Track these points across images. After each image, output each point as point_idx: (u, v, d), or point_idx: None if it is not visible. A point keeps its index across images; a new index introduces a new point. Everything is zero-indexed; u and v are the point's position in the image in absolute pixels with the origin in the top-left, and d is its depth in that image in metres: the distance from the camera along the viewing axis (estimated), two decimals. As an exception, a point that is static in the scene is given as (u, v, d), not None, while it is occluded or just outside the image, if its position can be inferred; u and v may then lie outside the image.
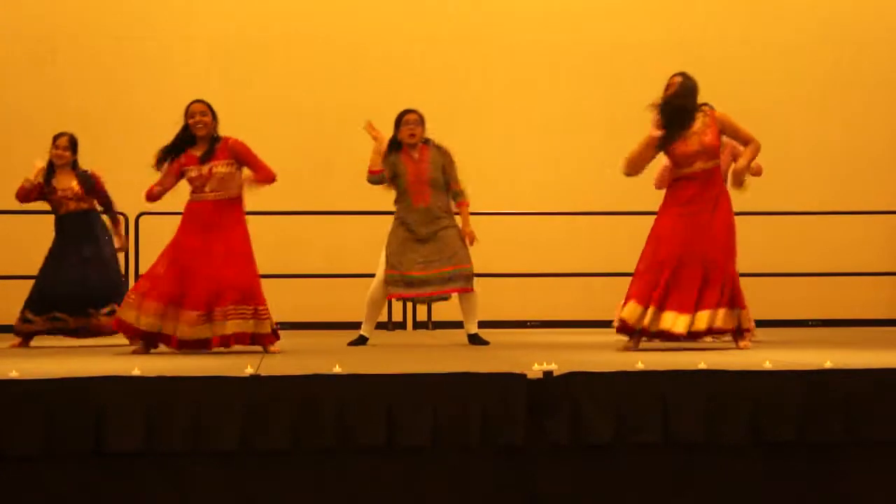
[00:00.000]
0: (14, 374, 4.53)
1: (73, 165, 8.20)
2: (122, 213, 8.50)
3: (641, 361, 5.08)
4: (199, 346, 6.63)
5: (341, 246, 11.42)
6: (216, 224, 6.75)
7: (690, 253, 6.73)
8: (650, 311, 6.69)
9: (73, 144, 8.19)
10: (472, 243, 7.73)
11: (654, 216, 6.98)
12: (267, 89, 11.43)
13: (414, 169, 7.66)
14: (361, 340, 7.71)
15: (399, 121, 7.76)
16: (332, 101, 11.64)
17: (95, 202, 8.25)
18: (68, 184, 8.15)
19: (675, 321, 6.67)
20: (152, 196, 6.94)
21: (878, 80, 12.19)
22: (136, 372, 4.56)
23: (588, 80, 12.01)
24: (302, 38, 11.81)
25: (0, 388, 4.34)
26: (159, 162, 6.84)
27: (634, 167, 6.97)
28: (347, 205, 11.16)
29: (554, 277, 11.46)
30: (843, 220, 11.85)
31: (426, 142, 7.75)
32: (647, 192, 11.29)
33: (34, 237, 11.27)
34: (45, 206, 10.98)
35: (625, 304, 6.82)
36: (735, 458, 4.61)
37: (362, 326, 7.76)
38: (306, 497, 4.47)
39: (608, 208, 11.50)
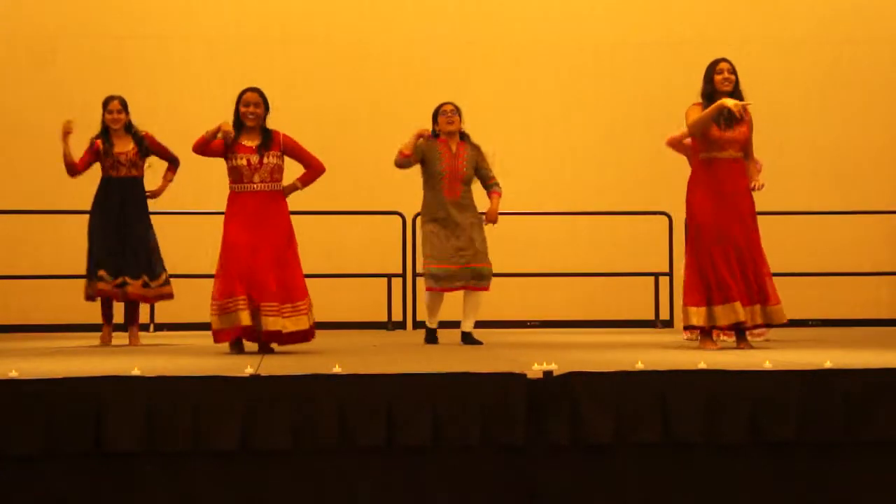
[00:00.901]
0: (14, 374, 4.53)
1: (128, 127, 8.13)
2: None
3: (641, 361, 5.08)
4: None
5: (341, 246, 11.43)
6: (263, 215, 6.69)
7: (739, 242, 6.85)
8: (751, 307, 6.83)
9: (125, 105, 8.14)
10: (490, 222, 7.89)
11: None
12: (267, 89, 11.38)
13: (451, 162, 7.84)
14: (432, 336, 7.93)
15: (437, 112, 7.95)
16: (332, 101, 11.64)
17: (143, 169, 8.16)
18: (125, 147, 8.08)
19: (753, 314, 6.84)
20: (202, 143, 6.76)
21: (878, 79, 12.19)
22: (136, 372, 4.56)
23: (588, 79, 12.01)
24: (302, 38, 11.82)
25: (0, 388, 4.35)
26: (227, 147, 6.73)
27: (699, 129, 6.92)
28: (347, 205, 11.18)
29: (554, 277, 11.46)
30: (843, 220, 11.85)
31: (462, 137, 7.93)
32: (646, 192, 11.35)
33: (34, 237, 11.32)
34: (44, 205, 11.05)
35: (718, 305, 6.83)
36: (735, 458, 4.61)
37: (427, 321, 8.00)
38: (306, 497, 4.47)
39: (608, 208, 11.51)
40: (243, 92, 6.83)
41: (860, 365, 5.00)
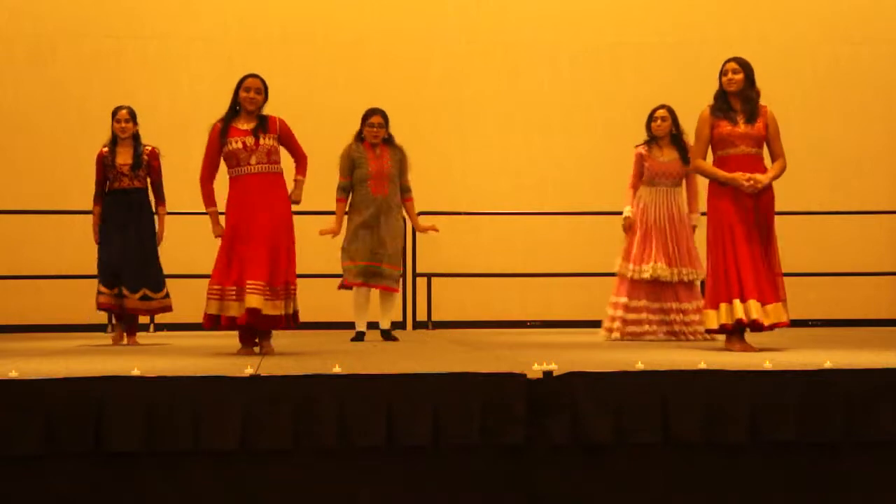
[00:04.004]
0: (14, 374, 4.53)
1: (136, 137, 8.16)
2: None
3: (641, 361, 5.08)
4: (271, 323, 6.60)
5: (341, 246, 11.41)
6: (263, 197, 6.60)
7: (753, 239, 6.78)
8: (748, 304, 6.71)
9: (133, 116, 8.17)
10: (435, 231, 8.57)
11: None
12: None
13: (376, 163, 8.22)
14: (360, 336, 8.25)
15: (365, 120, 8.29)
16: (332, 101, 11.64)
17: (148, 181, 8.21)
18: (128, 159, 8.12)
19: (760, 311, 6.70)
20: (210, 195, 6.78)
21: (878, 79, 12.19)
22: (135, 372, 4.56)
23: (588, 79, 12.01)
24: (302, 38, 11.82)
25: (0, 388, 4.35)
26: (222, 135, 6.67)
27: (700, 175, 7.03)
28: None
29: (554, 277, 11.46)
30: (843, 220, 11.85)
31: (386, 139, 8.29)
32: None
33: (34, 237, 11.32)
34: (43, 205, 11.06)
35: (725, 304, 6.77)
36: (735, 458, 4.61)
37: (356, 324, 8.34)
38: (306, 497, 4.47)
39: (608, 208, 11.50)
40: (245, 77, 6.78)
41: (860, 365, 5.00)
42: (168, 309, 8.29)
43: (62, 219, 11.03)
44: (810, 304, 11.45)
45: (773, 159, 6.93)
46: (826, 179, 12.03)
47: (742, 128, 6.82)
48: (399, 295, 8.41)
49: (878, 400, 4.58)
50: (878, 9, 12.24)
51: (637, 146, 8.45)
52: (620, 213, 8.50)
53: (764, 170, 6.89)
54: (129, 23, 11.66)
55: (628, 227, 8.44)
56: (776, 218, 7.00)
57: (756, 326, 6.67)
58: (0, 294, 11.15)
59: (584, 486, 4.56)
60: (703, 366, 4.88)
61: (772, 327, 6.71)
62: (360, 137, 8.29)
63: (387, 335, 8.29)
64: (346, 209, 8.33)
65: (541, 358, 4.91)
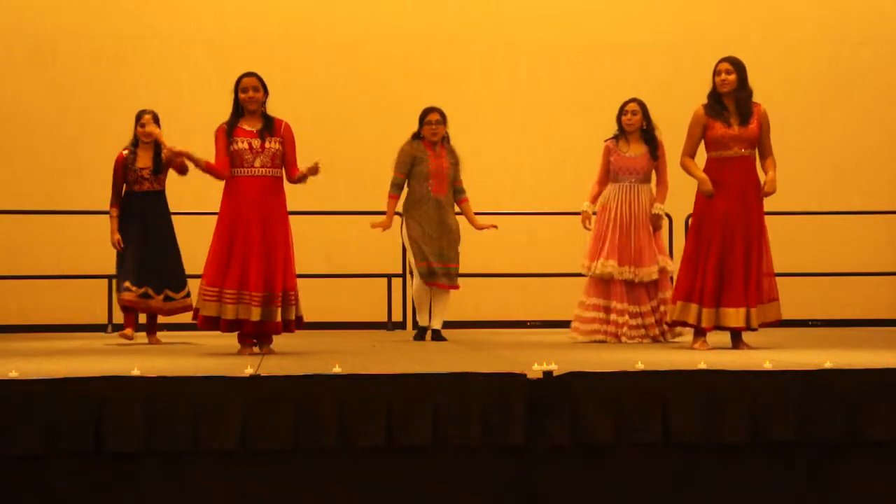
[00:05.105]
0: (14, 374, 4.53)
1: (155, 142, 8.16)
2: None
3: (641, 361, 5.08)
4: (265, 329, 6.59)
5: (341, 246, 11.42)
6: (262, 202, 6.57)
7: (735, 242, 6.78)
8: (709, 310, 6.77)
9: (157, 119, 8.19)
10: (494, 227, 8.47)
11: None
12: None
13: (436, 162, 8.21)
14: (423, 332, 8.34)
15: (423, 119, 8.24)
16: (332, 101, 11.64)
17: (164, 182, 8.26)
18: (147, 162, 8.17)
19: (736, 317, 6.74)
20: (223, 176, 6.66)
21: (878, 79, 12.19)
22: (136, 372, 4.56)
23: (588, 79, 12.01)
24: (302, 38, 11.82)
25: (0, 388, 4.35)
26: (228, 133, 6.63)
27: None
28: (347, 205, 11.17)
29: (554, 277, 11.45)
30: (843, 220, 11.84)
31: (443, 139, 8.26)
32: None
33: (34, 237, 11.32)
34: (43, 205, 11.06)
35: (675, 301, 6.86)
36: (735, 458, 4.61)
37: (418, 319, 8.43)
38: (306, 497, 4.47)
39: (608, 208, 11.49)
40: (241, 78, 6.76)
41: (860, 365, 5.00)
42: (189, 308, 8.25)
43: (62, 219, 11.03)
44: (810, 304, 11.44)
45: (763, 157, 6.98)
46: (826, 179, 12.02)
47: (736, 130, 6.83)
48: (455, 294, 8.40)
49: (878, 400, 4.59)
50: (878, 9, 12.24)
51: (606, 140, 8.39)
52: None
53: (756, 170, 6.93)
54: (129, 23, 11.65)
55: (587, 220, 8.22)
56: (775, 218, 7.02)
57: (689, 329, 6.94)
58: (0, 294, 11.15)
59: (584, 486, 4.57)
60: (703, 366, 4.88)
61: (733, 330, 6.82)
62: (417, 136, 8.23)
63: (437, 335, 8.23)
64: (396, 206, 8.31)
65: (541, 358, 4.92)
